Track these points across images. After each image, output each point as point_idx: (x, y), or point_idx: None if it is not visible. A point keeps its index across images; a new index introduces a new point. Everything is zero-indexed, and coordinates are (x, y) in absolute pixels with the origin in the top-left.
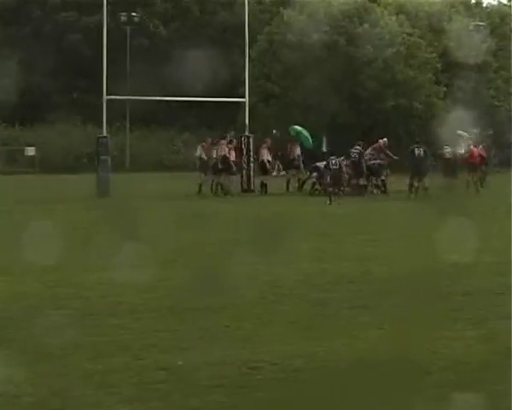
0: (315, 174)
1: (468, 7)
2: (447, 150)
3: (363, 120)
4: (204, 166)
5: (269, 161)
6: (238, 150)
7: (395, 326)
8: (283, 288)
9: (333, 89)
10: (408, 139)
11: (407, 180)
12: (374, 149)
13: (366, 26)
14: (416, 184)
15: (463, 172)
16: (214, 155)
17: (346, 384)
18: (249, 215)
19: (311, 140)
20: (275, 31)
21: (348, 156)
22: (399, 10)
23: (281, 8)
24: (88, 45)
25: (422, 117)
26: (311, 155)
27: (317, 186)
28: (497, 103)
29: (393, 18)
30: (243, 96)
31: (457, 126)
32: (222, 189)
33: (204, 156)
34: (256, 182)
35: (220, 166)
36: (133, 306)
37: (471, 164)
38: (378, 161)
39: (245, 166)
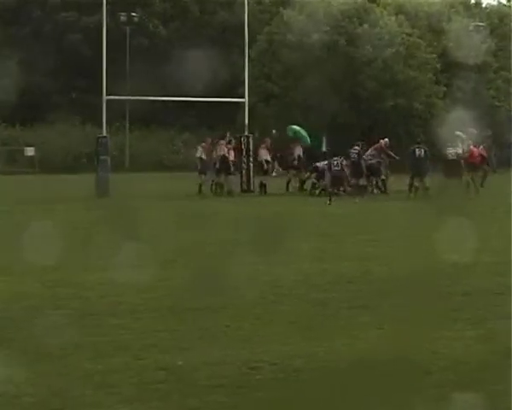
0: (315, 174)
1: (467, 7)
2: (450, 151)
3: (363, 120)
4: (204, 167)
5: (267, 162)
6: (237, 150)
7: (395, 326)
8: (283, 288)
9: (333, 89)
10: (408, 139)
11: (407, 180)
12: (375, 149)
13: (366, 26)
14: (416, 184)
15: (463, 172)
16: (214, 155)
17: (346, 384)
18: (249, 215)
19: (308, 138)
20: (274, 31)
21: (347, 157)
22: (399, 10)
23: (280, 8)
24: (88, 45)
25: (422, 117)
26: (310, 155)
27: (317, 186)
28: (497, 104)
29: (393, 18)
30: (243, 97)
31: (457, 127)
32: (222, 188)
33: (204, 156)
34: (256, 182)
35: (218, 165)
36: (133, 306)
37: (471, 164)
38: (377, 159)
39: (244, 166)
